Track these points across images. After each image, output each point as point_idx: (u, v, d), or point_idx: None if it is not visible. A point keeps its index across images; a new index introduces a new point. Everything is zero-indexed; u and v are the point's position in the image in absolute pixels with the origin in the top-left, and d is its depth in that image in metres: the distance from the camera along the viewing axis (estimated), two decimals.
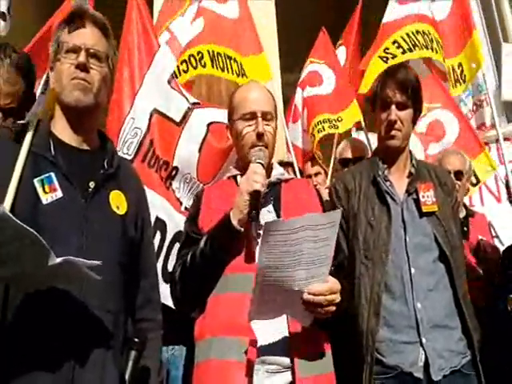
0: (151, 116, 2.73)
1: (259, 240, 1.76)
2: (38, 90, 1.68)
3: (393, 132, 2.12)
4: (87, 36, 1.56)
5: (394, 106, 2.11)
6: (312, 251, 1.55)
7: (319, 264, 1.59)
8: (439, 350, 1.91)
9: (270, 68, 3.43)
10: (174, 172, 2.72)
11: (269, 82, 3.28)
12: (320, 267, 1.60)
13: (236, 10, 3.44)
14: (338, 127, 3.90)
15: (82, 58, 1.52)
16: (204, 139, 2.69)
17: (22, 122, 1.58)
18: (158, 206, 2.64)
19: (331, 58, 4.27)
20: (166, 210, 2.67)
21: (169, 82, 2.78)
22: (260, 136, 1.89)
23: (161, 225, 2.63)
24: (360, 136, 3.96)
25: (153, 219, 2.50)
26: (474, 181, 3.60)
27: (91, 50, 1.55)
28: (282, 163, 2.32)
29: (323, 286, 1.62)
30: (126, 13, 2.96)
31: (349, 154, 3.31)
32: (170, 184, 2.72)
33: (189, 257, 1.80)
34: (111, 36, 1.64)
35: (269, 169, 1.96)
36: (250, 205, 1.72)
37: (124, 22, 2.94)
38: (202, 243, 1.78)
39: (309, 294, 1.60)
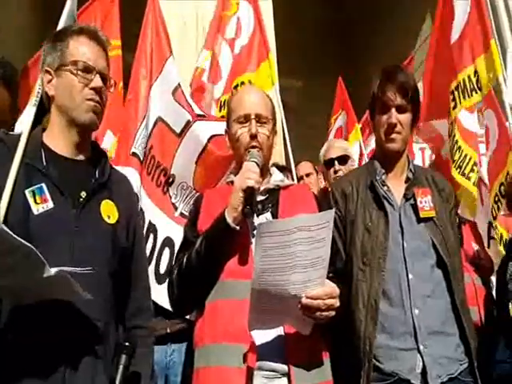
0: (155, 123, 2.83)
1: (253, 239, 1.76)
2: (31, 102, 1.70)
3: (393, 135, 2.10)
4: (98, 57, 1.61)
5: (394, 110, 2.09)
6: (307, 253, 1.54)
7: (315, 266, 1.58)
8: (437, 357, 1.88)
9: (275, 72, 3.46)
10: (171, 179, 2.80)
11: (273, 86, 3.34)
12: (317, 270, 1.59)
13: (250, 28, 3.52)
14: None
15: (99, 82, 1.59)
16: (203, 151, 2.75)
17: (13, 133, 1.59)
18: (151, 211, 2.71)
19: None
20: (158, 217, 2.73)
21: (173, 94, 2.84)
22: (253, 137, 1.89)
23: (153, 228, 2.70)
24: None
25: (146, 223, 2.55)
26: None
27: (102, 74, 1.61)
28: (278, 166, 2.31)
29: (321, 290, 1.61)
30: (144, 15, 3.06)
31: (332, 154, 3.32)
32: (168, 190, 2.80)
33: (185, 258, 1.80)
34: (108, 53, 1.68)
35: (265, 171, 1.96)
36: (245, 202, 1.73)
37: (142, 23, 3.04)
38: (197, 243, 1.78)
39: (307, 298, 1.59)
